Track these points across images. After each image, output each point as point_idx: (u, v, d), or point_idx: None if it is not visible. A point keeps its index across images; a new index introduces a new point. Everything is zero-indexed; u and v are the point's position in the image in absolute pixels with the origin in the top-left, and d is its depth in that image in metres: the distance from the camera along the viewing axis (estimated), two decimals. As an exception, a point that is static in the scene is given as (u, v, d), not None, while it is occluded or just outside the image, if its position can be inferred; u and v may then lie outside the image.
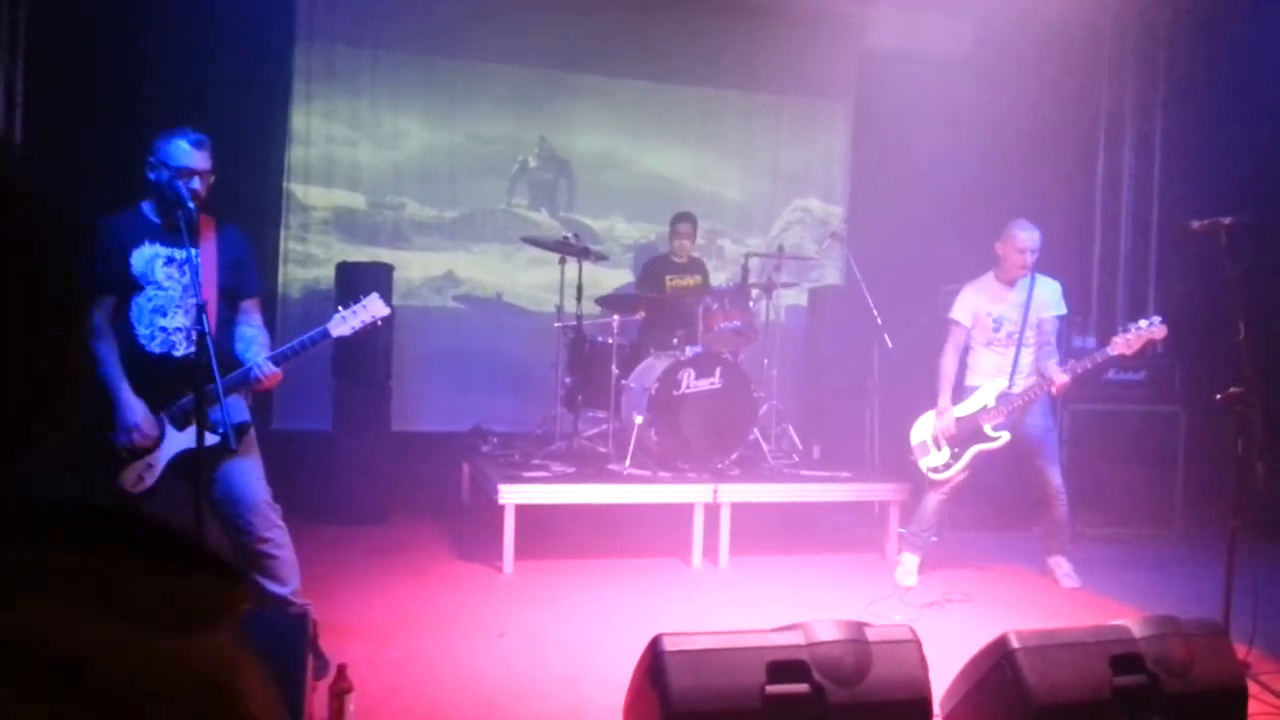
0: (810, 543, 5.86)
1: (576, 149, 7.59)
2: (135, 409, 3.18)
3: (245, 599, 0.59)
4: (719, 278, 7.30)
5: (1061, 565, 5.24)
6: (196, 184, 3.23)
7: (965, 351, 5.23)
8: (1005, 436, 4.99)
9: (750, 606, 4.60)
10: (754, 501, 5.44)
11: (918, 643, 2.98)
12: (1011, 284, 5.13)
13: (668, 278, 6.72)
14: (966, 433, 5.05)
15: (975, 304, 5.19)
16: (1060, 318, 5.22)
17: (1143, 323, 4.76)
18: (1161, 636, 3.02)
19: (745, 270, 6.36)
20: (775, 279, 6.37)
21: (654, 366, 5.80)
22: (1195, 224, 4.12)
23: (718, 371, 5.70)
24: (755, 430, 5.90)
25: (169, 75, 6.03)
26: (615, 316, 6.01)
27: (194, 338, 3.22)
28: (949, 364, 5.18)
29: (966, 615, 4.57)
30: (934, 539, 5.21)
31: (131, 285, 3.26)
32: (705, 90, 7.82)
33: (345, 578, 4.72)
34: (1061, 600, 4.95)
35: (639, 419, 5.59)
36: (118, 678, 0.51)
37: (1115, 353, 4.77)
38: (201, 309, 2.96)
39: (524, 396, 6.94)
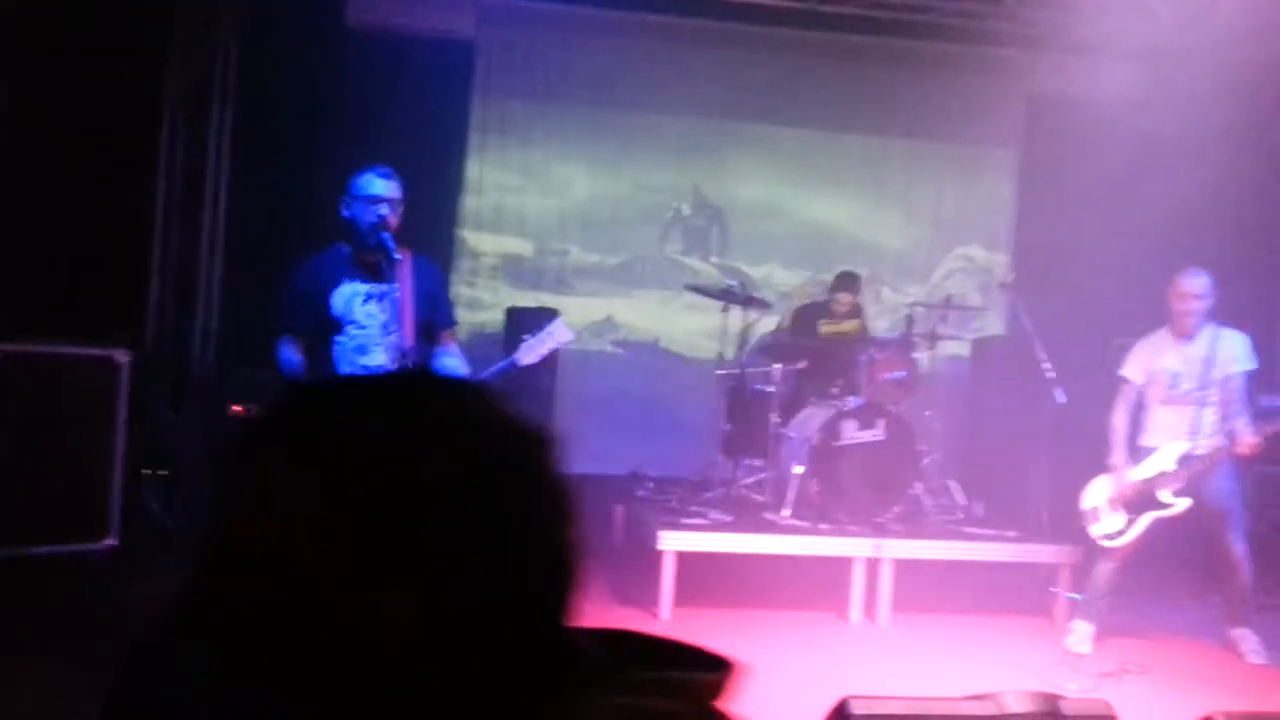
0: (971, 603, 5.68)
1: (735, 196, 7.68)
2: None
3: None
4: (879, 325, 7.23)
5: (1247, 639, 4.88)
6: (386, 210, 3.35)
7: (1139, 410, 4.95)
8: (1185, 503, 4.68)
9: (915, 668, 4.50)
10: (917, 558, 5.32)
11: (1115, 719, 2.87)
12: (1188, 337, 4.83)
13: (821, 323, 6.67)
14: (1142, 498, 4.75)
15: (1147, 359, 4.93)
16: (1249, 373, 4.82)
17: None
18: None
19: (910, 320, 6.28)
20: (939, 329, 6.26)
21: (815, 416, 5.78)
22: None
23: (880, 423, 5.63)
24: (917, 484, 5.79)
25: (358, 128, 6.44)
26: (776, 365, 6.03)
27: (399, 374, 3.40)
28: (1119, 422, 4.91)
29: (1145, 688, 4.35)
30: (1107, 608, 4.96)
31: (332, 326, 3.38)
32: (868, 138, 7.80)
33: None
34: (1247, 676, 4.65)
35: (798, 469, 5.57)
36: None
37: None
38: (405, 352, 3.08)
39: (680, 442, 7.00)
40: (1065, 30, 7.10)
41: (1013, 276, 6.50)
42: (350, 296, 3.41)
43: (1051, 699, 2.86)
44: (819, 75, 7.66)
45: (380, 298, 3.40)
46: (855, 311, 6.84)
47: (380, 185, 3.40)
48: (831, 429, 5.58)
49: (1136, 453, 4.88)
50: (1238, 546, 4.77)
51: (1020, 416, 6.54)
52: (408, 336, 3.23)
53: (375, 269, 3.40)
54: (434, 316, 3.53)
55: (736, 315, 6.07)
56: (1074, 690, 4.04)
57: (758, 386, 6.12)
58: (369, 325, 3.39)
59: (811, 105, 7.67)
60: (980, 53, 7.69)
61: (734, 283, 6.40)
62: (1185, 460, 4.71)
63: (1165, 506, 4.70)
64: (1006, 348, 7.17)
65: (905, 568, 5.30)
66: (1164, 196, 6.94)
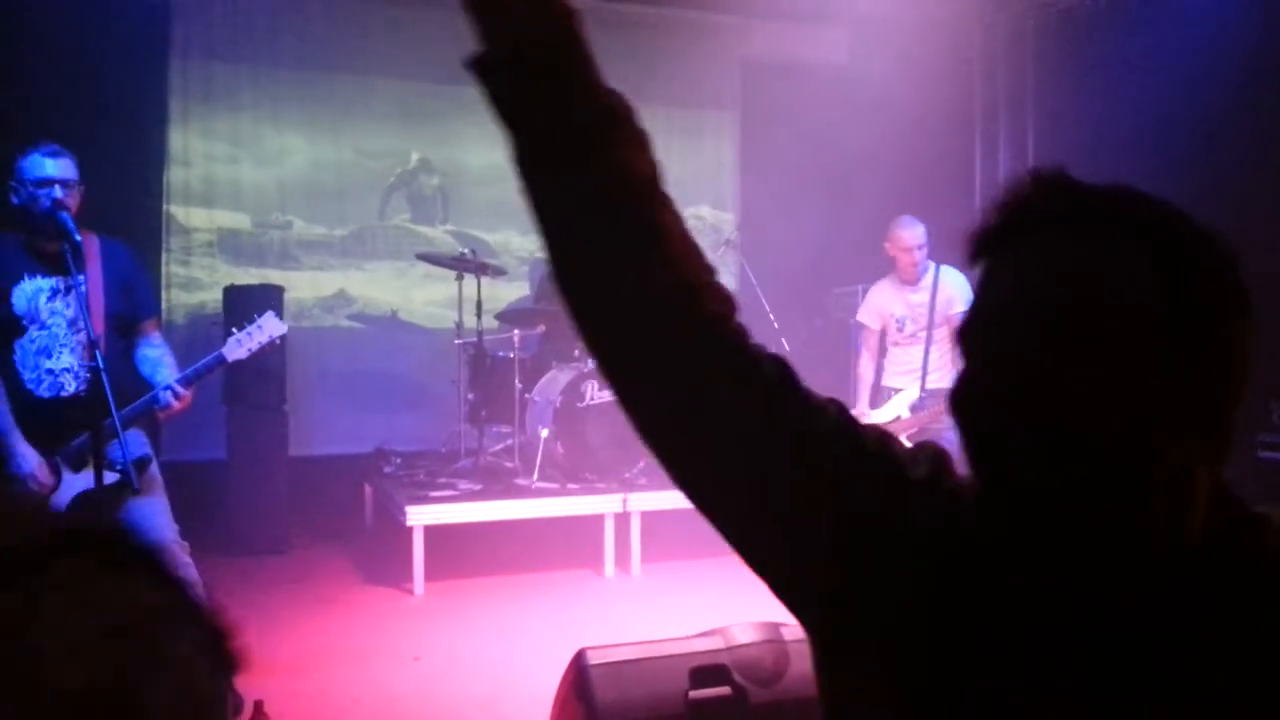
0: (719, 548, 5.92)
1: (463, 162, 7.53)
2: (28, 458, 2.99)
3: None
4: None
5: None
6: (59, 192, 3.01)
7: (882, 354, 5.16)
8: None
9: (666, 613, 4.64)
10: (663, 509, 5.49)
11: (833, 640, 3.05)
12: (912, 283, 5.06)
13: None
14: None
15: (879, 304, 5.14)
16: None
17: None
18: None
19: (643, 279, 6.41)
20: (672, 287, 6.44)
21: (557, 379, 5.81)
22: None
23: (621, 381, 5.73)
24: (660, 438, 5.95)
25: (36, 97, 5.77)
26: (516, 331, 6.01)
27: (85, 374, 3.08)
28: (863, 369, 5.15)
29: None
30: None
31: (14, 327, 3.04)
32: (594, 102, 7.85)
33: (252, 611, 4.57)
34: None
35: (544, 432, 5.59)
36: None
37: None
38: (94, 344, 2.80)
39: (425, 415, 6.86)
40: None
41: (737, 234, 6.78)
42: (34, 293, 3.07)
43: (774, 627, 3.00)
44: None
45: (65, 292, 3.07)
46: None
47: (50, 166, 3.04)
48: (574, 390, 5.63)
49: (881, 392, 5.09)
50: None
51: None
52: (97, 330, 2.92)
53: (56, 260, 3.06)
54: (130, 307, 3.21)
55: (474, 284, 5.98)
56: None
57: (500, 353, 6.09)
58: (53, 324, 3.07)
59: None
60: (695, 18, 7.94)
61: (466, 250, 6.29)
62: (916, 406, 4.94)
63: None
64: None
65: (653, 520, 5.46)
66: (870, 154, 7.48)
